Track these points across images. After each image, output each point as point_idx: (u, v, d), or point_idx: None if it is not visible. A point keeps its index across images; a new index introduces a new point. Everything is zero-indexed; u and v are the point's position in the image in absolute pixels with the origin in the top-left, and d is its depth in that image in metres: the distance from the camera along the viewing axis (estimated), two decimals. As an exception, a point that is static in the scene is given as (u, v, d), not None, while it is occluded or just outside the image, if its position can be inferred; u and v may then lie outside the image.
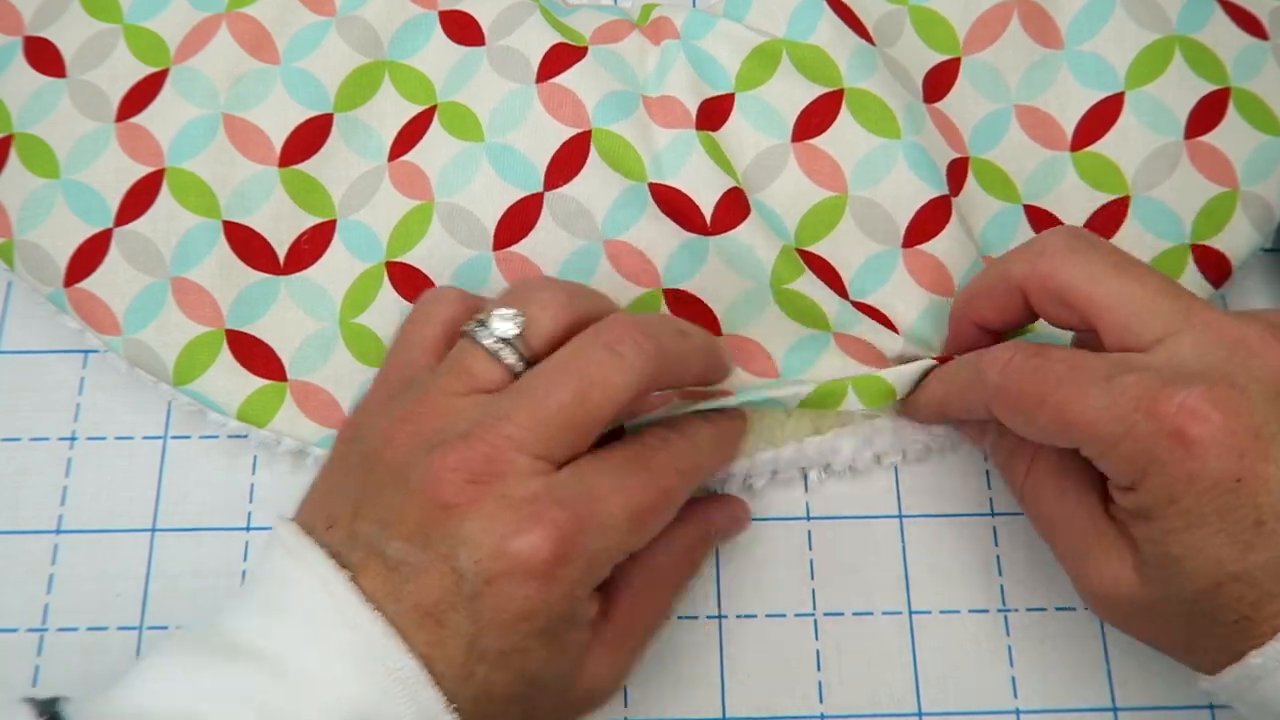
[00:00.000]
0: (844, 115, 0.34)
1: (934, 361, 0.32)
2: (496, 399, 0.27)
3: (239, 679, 0.25)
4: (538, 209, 0.34)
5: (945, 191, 0.33)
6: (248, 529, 0.34)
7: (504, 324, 0.28)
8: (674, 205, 0.33)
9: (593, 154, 0.34)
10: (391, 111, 0.35)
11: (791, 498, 0.35)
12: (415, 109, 0.35)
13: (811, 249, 0.34)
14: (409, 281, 0.34)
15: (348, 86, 0.35)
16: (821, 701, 0.33)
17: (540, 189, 0.34)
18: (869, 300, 0.34)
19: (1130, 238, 0.34)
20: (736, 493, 0.34)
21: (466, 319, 0.29)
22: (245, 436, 0.35)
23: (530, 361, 0.28)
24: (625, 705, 0.32)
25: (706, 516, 0.32)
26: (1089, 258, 0.28)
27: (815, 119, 0.34)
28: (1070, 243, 0.28)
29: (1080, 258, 0.28)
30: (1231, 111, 0.34)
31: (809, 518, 0.34)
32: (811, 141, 0.34)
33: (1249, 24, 0.34)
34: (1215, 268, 0.34)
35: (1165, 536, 0.26)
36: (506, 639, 0.25)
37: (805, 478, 0.35)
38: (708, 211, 0.33)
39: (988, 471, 0.35)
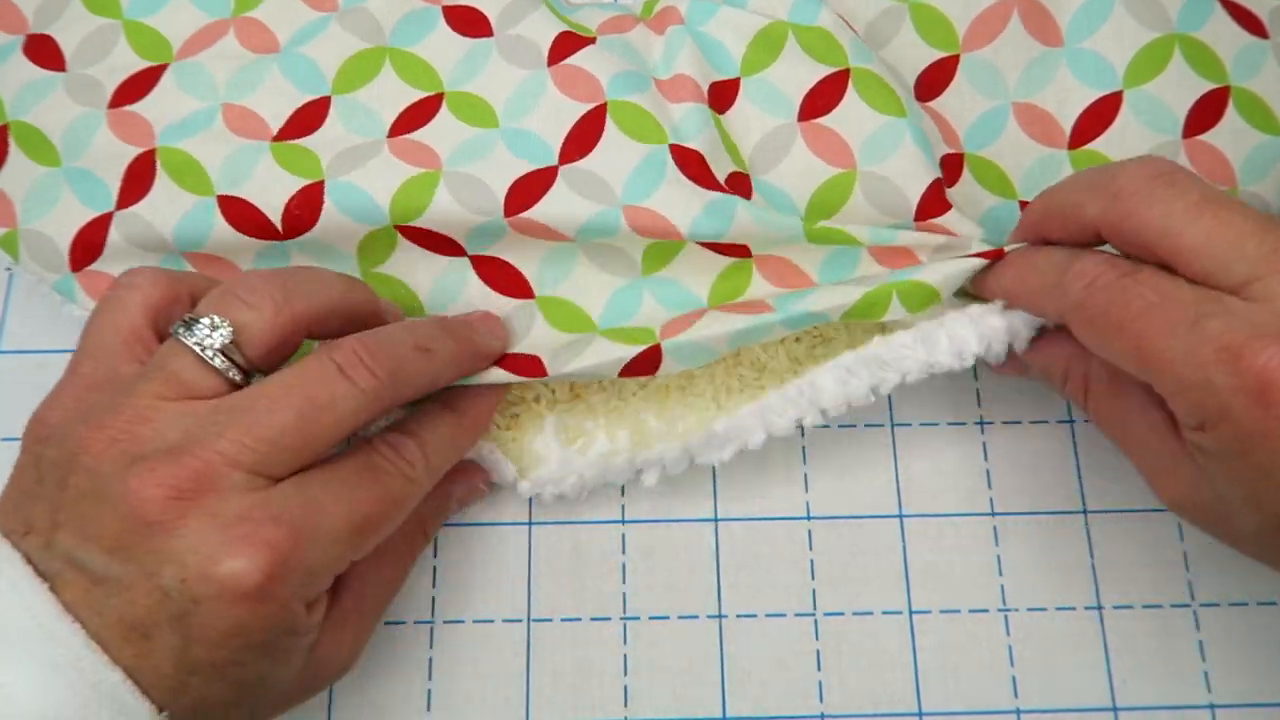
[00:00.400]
0: (850, 94, 0.34)
1: (983, 260, 0.31)
2: (213, 412, 0.26)
3: None
4: (551, 178, 0.33)
5: (939, 175, 0.33)
6: (247, 529, 0.34)
7: (211, 334, 0.26)
8: (697, 168, 0.33)
9: (609, 126, 0.33)
10: (393, 95, 0.35)
11: (792, 498, 0.35)
12: (420, 94, 0.35)
13: (822, 226, 0.34)
14: (425, 240, 0.33)
15: (346, 70, 0.35)
16: (821, 701, 0.33)
17: (555, 163, 0.33)
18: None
19: None
20: (731, 459, 0.34)
21: (173, 310, 0.28)
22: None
23: (247, 369, 0.27)
24: (625, 705, 0.32)
25: (443, 489, 0.31)
26: (1167, 200, 0.26)
27: (821, 99, 0.34)
28: (1148, 184, 0.26)
29: (1158, 201, 0.26)
30: (1230, 110, 0.34)
31: (809, 518, 0.34)
32: (818, 121, 0.34)
33: (1249, 23, 0.34)
34: None
35: (1232, 480, 0.25)
36: (219, 653, 0.25)
37: (806, 480, 0.35)
38: (722, 179, 0.33)
39: (988, 471, 0.35)
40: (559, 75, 0.34)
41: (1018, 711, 0.32)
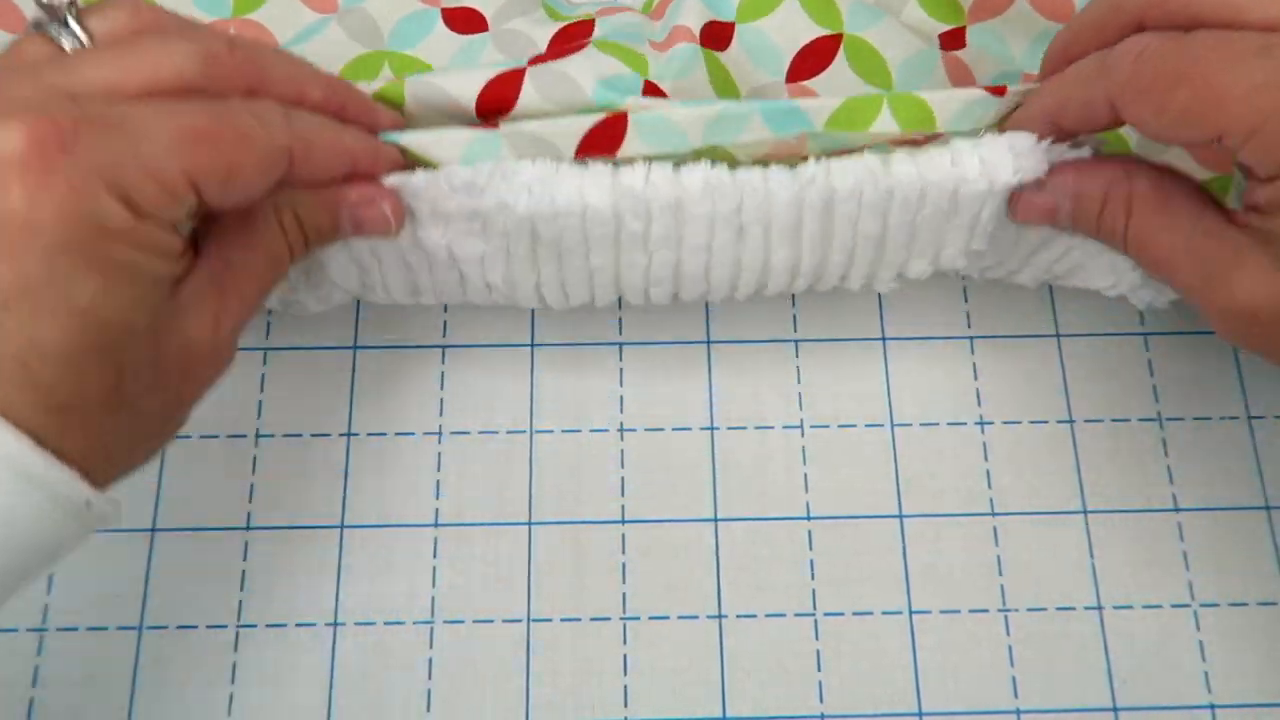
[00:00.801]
0: (840, 60, 0.33)
1: (984, 92, 0.29)
2: (38, 61, 0.24)
3: None
4: (519, 80, 0.30)
5: None
6: (247, 529, 0.34)
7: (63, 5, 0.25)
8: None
9: (589, 47, 0.31)
10: None
11: (792, 498, 0.35)
12: None
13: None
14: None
15: (344, 75, 0.35)
16: (821, 701, 0.33)
17: (524, 64, 0.31)
18: None
19: None
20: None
21: None
22: (244, 436, 0.35)
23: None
24: (625, 705, 0.32)
25: (332, 191, 0.28)
26: None
27: (811, 60, 0.33)
28: None
29: None
30: None
31: (809, 518, 0.34)
32: (805, 83, 0.33)
33: None
34: None
35: None
36: (23, 265, 0.21)
37: (806, 481, 0.35)
38: None
39: (988, 471, 0.35)
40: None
41: (1018, 711, 0.32)
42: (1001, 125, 0.30)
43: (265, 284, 0.28)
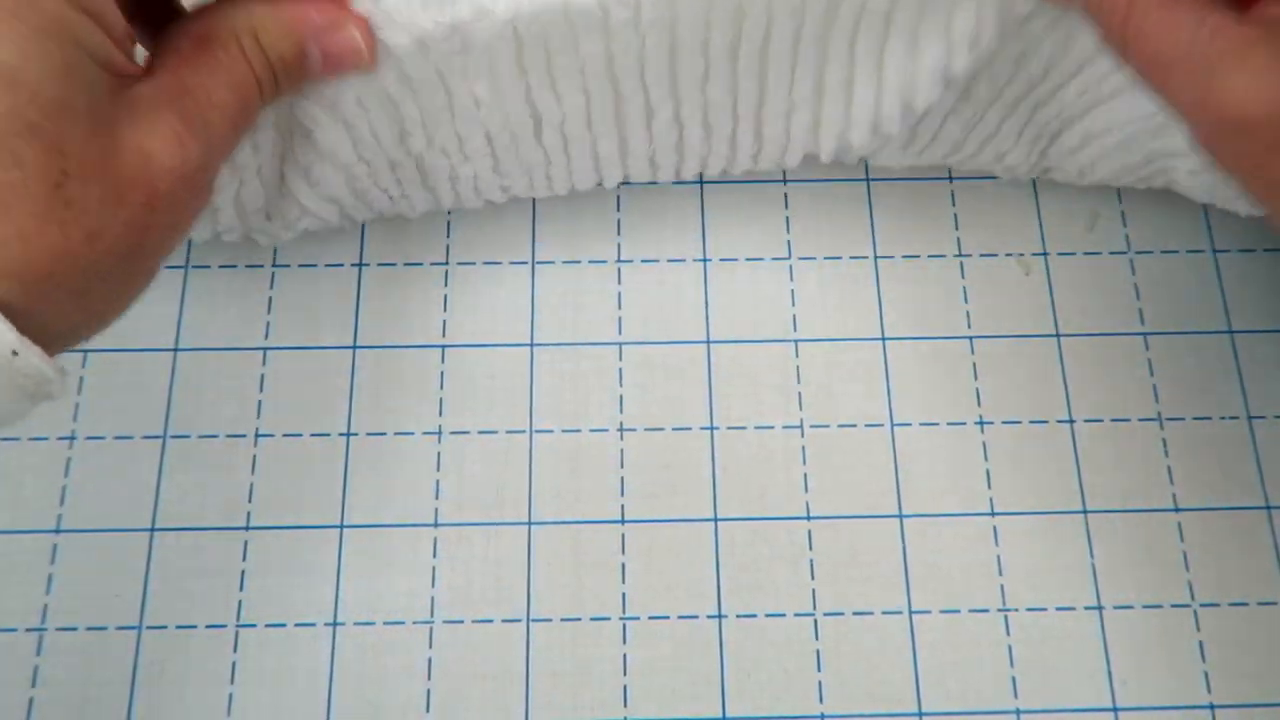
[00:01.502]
0: None
1: None
2: None
3: None
4: None
5: None
6: (247, 528, 0.34)
7: None
8: None
9: None
10: None
11: (791, 498, 0.35)
12: None
13: None
14: None
15: None
16: (821, 701, 0.33)
17: None
18: None
19: None
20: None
21: None
22: (244, 435, 0.35)
23: None
24: (625, 705, 0.32)
25: (301, 6, 0.27)
26: None
27: None
28: None
29: None
30: None
31: (809, 518, 0.34)
32: None
33: None
34: None
35: None
36: None
37: (806, 481, 0.35)
38: None
39: (988, 471, 0.35)
40: None
41: (1018, 711, 0.32)
42: None
43: (231, 113, 0.26)
